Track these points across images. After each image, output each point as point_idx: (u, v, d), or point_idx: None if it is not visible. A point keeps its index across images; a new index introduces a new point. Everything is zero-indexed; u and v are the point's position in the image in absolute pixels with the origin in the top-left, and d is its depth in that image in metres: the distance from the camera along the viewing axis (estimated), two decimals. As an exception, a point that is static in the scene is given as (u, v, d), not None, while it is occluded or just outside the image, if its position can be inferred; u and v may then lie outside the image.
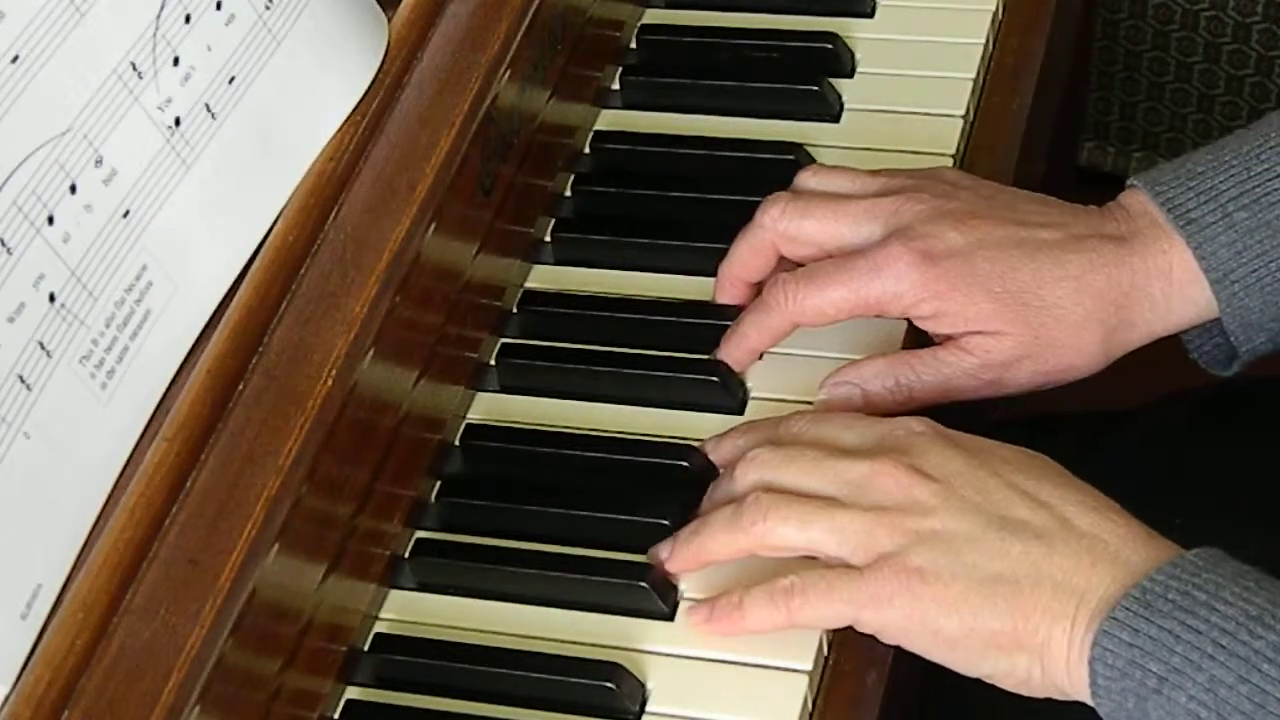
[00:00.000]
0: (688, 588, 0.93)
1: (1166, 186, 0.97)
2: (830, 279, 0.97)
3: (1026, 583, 0.84)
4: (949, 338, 0.97)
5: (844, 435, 0.90)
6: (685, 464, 0.96)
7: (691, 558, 0.91)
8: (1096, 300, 0.96)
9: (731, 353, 1.00)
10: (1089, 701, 0.83)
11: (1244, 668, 0.79)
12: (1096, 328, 0.96)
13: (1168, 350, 1.00)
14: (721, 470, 0.96)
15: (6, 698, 0.75)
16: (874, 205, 0.98)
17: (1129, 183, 0.99)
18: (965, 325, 0.96)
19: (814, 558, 0.88)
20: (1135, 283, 0.96)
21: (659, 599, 0.91)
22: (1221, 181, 0.96)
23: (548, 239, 1.10)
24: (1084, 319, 0.96)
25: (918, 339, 1.00)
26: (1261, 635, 0.79)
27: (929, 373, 0.97)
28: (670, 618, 0.92)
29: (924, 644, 0.86)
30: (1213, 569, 0.82)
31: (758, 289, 1.03)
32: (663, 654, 0.91)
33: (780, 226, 1.00)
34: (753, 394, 1.01)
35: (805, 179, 1.02)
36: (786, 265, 1.02)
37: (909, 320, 1.00)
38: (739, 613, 0.89)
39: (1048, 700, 0.86)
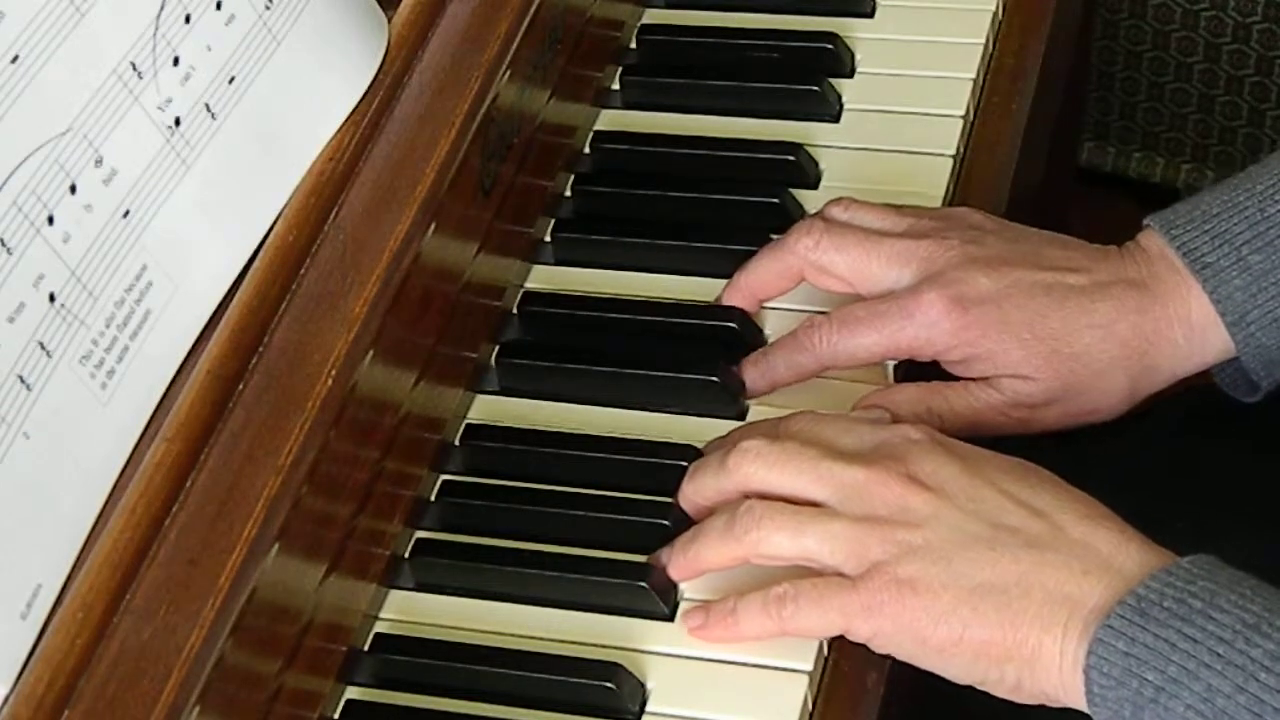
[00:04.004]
0: (688, 588, 0.93)
1: (1181, 230, 0.98)
2: (863, 324, 0.98)
3: (1015, 591, 0.84)
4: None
5: (842, 438, 0.91)
6: (685, 464, 0.96)
7: (688, 566, 0.91)
8: (1122, 348, 0.97)
9: (756, 383, 1.01)
10: (1083, 709, 0.83)
11: (1241, 676, 0.78)
12: (1121, 375, 0.97)
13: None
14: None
15: (6, 698, 0.75)
16: (906, 247, 0.99)
17: (1145, 222, 1.00)
18: (995, 370, 0.97)
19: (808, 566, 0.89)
20: (1159, 329, 0.97)
21: (659, 599, 0.91)
22: (1235, 224, 0.97)
23: (548, 239, 1.10)
24: (1109, 366, 0.97)
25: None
26: (1259, 644, 0.79)
27: (961, 405, 0.98)
28: (670, 618, 0.92)
29: (913, 653, 0.86)
30: (1208, 576, 0.82)
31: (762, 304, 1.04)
32: (663, 654, 0.91)
33: (813, 256, 1.00)
34: (753, 395, 1.02)
35: (836, 212, 1.02)
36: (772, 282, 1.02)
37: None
38: (732, 619, 0.89)
39: (1044, 707, 0.86)
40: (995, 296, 0.97)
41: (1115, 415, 0.99)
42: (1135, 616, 0.81)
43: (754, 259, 1.03)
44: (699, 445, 0.98)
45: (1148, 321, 0.97)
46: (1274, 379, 0.99)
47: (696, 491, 0.93)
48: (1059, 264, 0.99)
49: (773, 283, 1.03)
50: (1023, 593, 0.84)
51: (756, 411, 1.00)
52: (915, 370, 1.01)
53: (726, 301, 1.04)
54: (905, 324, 0.97)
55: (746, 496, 0.90)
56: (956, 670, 0.86)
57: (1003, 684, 0.85)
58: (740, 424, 0.99)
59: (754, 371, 1.01)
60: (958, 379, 0.99)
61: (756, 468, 0.90)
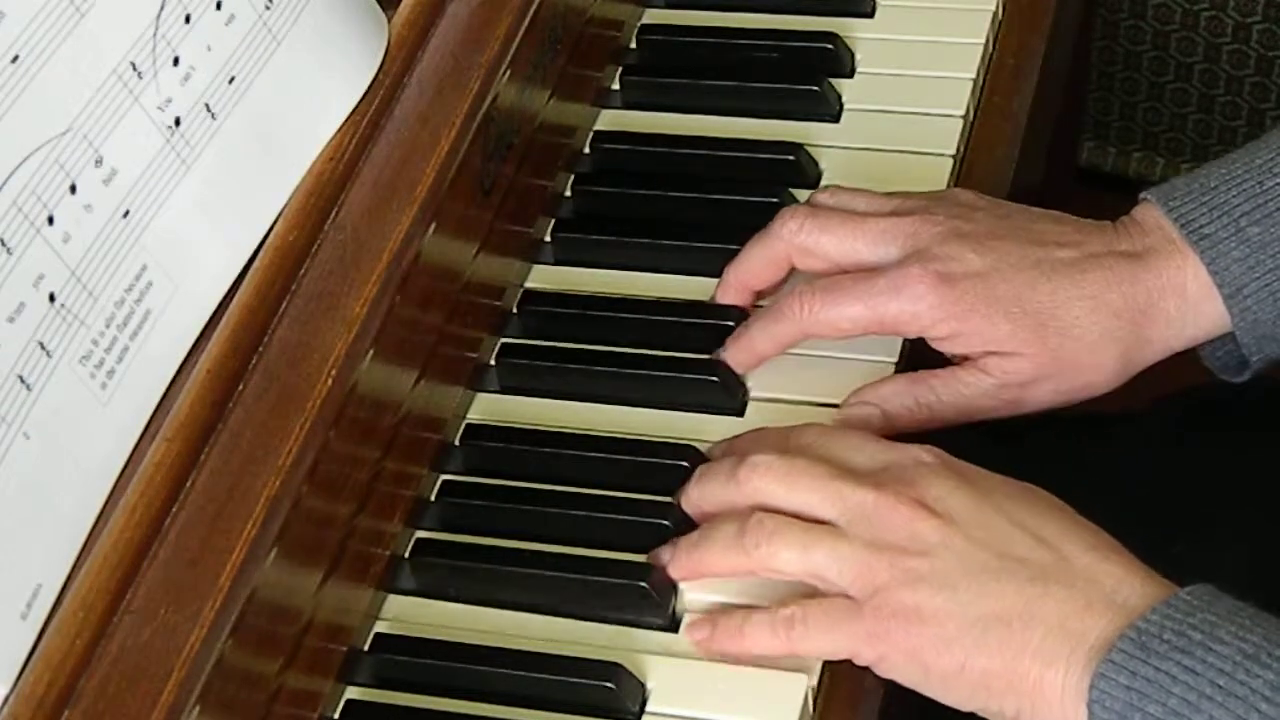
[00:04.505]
0: (688, 588, 0.93)
1: (1179, 201, 0.97)
2: (848, 295, 0.97)
3: (1018, 624, 0.84)
4: (965, 357, 0.97)
5: (853, 456, 0.90)
6: (685, 464, 0.96)
7: (691, 569, 0.91)
8: (1113, 319, 0.96)
9: (737, 356, 1.01)
10: None
11: (1242, 707, 0.78)
12: (1113, 346, 0.96)
13: (1168, 350, 1.00)
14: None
15: (6, 698, 0.75)
16: (892, 225, 0.99)
17: (1141, 196, 0.99)
18: (982, 346, 0.96)
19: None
20: (1151, 299, 0.96)
21: (658, 600, 0.91)
22: (1234, 196, 0.96)
23: (548, 239, 1.10)
24: (1101, 338, 0.96)
25: (916, 344, 1.00)
26: (1259, 674, 0.79)
27: (948, 393, 0.97)
28: (672, 629, 0.91)
29: (917, 680, 0.86)
30: (1207, 608, 0.81)
31: (759, 295, 1.03)
32: (663, 654, 0.91)
33: (798, 240, 1.00)
34: (753, 394, 1.01)
35: (822, 197, 1.02)
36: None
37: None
38: (740, 636, 0.89)
39: None
40: (982, 271, 0.96)
41: (1106, 391, 0.98)
42: (1136, 650, 0.81)
43: (742, 251, 1.03)
44: (699, 445, 0.98)
45: (1140, 292, 0.96)
46: (1265, 356, 0.98)
47: (703, 498, 0.93)
48: (1049, 238, 0.98)
49: (762, 272, 1.02)
50: (1025, 625, 0.84)
51: (755, 406, 1.00)
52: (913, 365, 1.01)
53: (719, 299, 1.04)
54: (891, 298, 0.96)
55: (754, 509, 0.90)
56: (958, 699, 0.86)
57: (1003, 716, 0.85)
58: (739, 419, 0.99)
59: (735, 348, 1.01)
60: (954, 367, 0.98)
61: (767, 483, 0.90)
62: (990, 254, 0.97)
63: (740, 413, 1.00)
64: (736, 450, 0.95)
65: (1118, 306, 0.96)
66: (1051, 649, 0.83)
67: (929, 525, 0.86)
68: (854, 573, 0.86)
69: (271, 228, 0.90)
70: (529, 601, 0.93)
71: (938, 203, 1.00)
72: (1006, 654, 0.83)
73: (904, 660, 0.86)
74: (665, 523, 0.94)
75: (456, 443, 1.00)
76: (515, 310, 1.06)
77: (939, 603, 0.85)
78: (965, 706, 0.86)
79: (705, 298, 1.05)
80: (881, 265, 0.98)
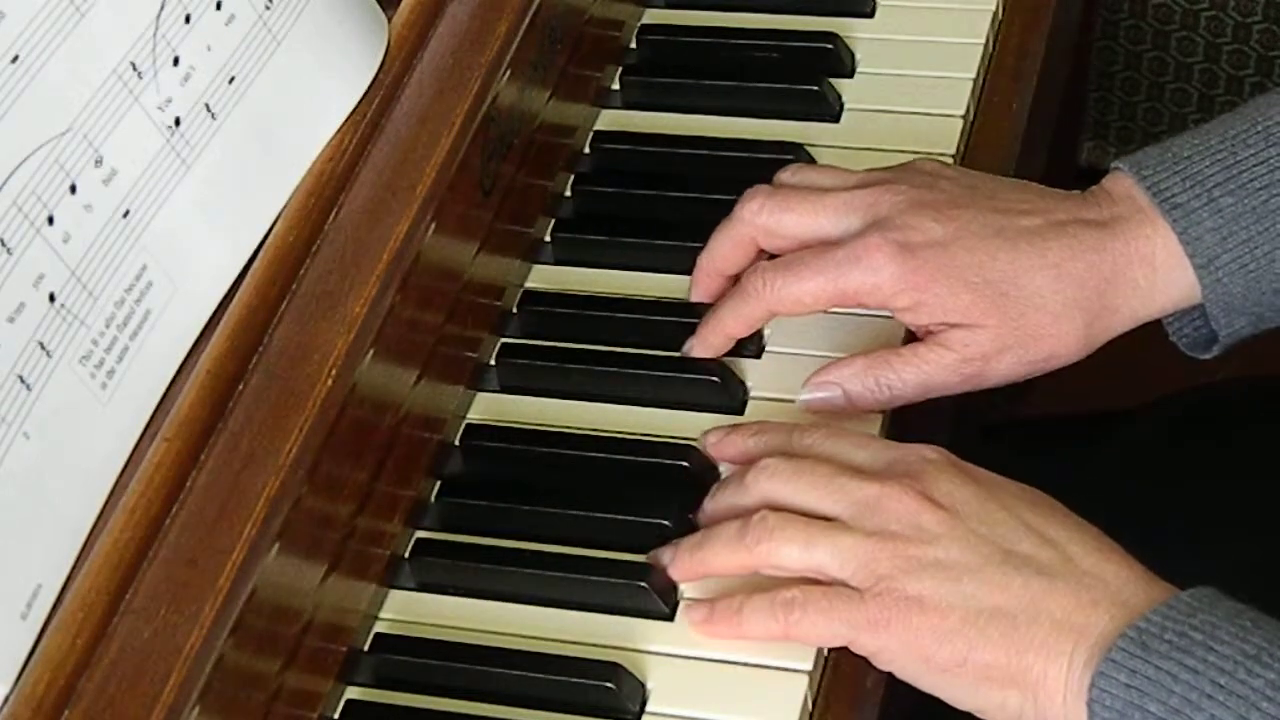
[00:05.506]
0: (688, 588, 0.93)
1: (1152, 170, 0.96)
2: (808, 268, 0.97)
3: (1023, 618, 0.83)
4: (928, 331, 0.97)
5: (856, 454, 0.90)
6: (685, 464, 0.96)
7: (693, 568, 0.91)
8: (1078, 288, 0.95)
9: (707, 338, 1.00)
10: None
11: (1243, 706, 0.78)
12: (1078, 316, 0.95)
13: (1166, 351, 1.00)
14: (722, 468, 0.96)
15: (6, 698, 0.75)
16: (853, 197, 0.98)
17: (1113, 165, 0.98)
18: (944, 316, 0.95)
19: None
20: (1117, 268, 0.95)
21: (659, 599, 0.91)
22: (1207, 166, 0.95)
23: (548, 239, 1.10)
24: (1065, 307, 0.95)
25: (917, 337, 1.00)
26: (1259, 674, 0.79)
27: (909, 371, 0.96)
28: (670, 618, 0.92)
29: (916, 672, 0.86)
30: (1208, 609, 0.81)
31: (734, 281, 1.02)
32: (663, 654, 0.91)
33: (760, 220, 0.99)
34: (752, 393, 1.01)
35: (784, 176, 1.02)
36: (764, 257, 1.02)
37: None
38: (737, 618, 0.89)
39: None
40: (944, 240, 0.95)
41: (1071, 362, 0.97)
42: (1136, 649, 0.80)
43: (710, 238, 1.02)
44: (700, 444, 0.98)
45: (1106, 260, 0.95)
46: (1234, 332, 0.97)
47: (716, 510, 0.93)
48: (1013, 206, 0.97)
49: (730, 256, 1.01)
50: (1030, 619, 0.83)
51: (755, 405, 1.00)
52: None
53: (694, 289, 1.03)
54: (851, 268, 0.95)
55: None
56: (958, 693, 0.85)
57: (1004, 712, 0.84)
58: (739, 418, 0.99)
59: (706, 330, 1.00)
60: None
61: (774, 484, 0.90)
62: (952, 223, 0.96)
63: (740, 411, 1.00)
64: (732, 441, 0.96)
65: (1082, 275, 0.95)
66: (1055, 644, 0.83)
67: (934, 517, 0.86)
68: (857, 563, 0.86)
69: (271, 228, 0.90)
70: (529, 601, 0.93)
71: (901, 173, 0.99)
72: (1010, 648, 0.83)
73: (903, 651, 0.85)
74: (665, 523, 0.94)
75: (456, 442, 1.00)
76: (515, 310, 1.06)
77: (943, 594, 0.84)
78: (964, 704, 0.86)
79: (705, 297, 1.05)
80: (844, 238, 0.97)
